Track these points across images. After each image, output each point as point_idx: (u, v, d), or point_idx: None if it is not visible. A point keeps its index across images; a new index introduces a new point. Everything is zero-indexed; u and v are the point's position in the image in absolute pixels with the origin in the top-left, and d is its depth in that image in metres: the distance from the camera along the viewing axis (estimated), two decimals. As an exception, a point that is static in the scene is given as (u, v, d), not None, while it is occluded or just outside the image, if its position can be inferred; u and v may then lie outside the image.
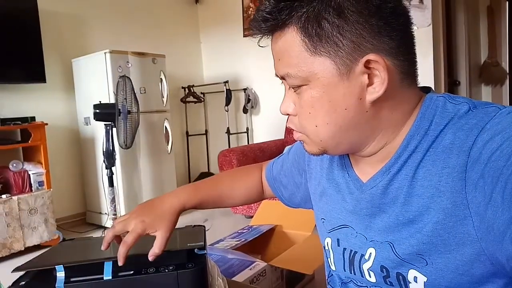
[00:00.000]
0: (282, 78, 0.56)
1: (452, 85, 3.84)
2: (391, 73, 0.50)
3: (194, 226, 0.90)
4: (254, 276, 1.16)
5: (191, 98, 4.19)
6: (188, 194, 0.80)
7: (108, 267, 0.68)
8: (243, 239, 1.54)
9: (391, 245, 0.54)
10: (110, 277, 0.67)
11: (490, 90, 4.38)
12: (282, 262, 1.24)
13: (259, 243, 1.60)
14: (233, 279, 1.15)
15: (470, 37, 4.05)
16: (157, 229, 0.70)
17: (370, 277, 0.58)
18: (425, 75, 3.05)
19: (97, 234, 3.07)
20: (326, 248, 0.68)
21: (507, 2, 4.31)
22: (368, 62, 0.49)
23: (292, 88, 0.56)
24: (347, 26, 0.49)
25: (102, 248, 0.71)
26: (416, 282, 0.51)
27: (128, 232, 0.69)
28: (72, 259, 0.78)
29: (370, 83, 0.51)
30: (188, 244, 0.74)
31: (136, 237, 0.68)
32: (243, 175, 0.92)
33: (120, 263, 0.66)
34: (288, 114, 0.59)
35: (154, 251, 0.68)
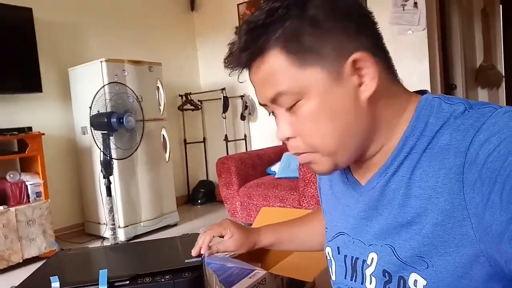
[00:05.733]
0: (273, 101, 0.54)
1: (448, 89, 3.84)
2: (378, 68, 0.52)
3: (191, 234, 0.89)
4: (254, 285, 1.14)
5: (188, 106, 4.19)
6: (265, 232, 0.92)
7: (103, 276, 0.67)
8: (243, 247, 1.52)
9: (392, 248, 0.53)
10: (106, 286, 0.67)
11: (487, 93, 4.39)
12: (282, 269, 1.23)
13: (259, 251, 1.58)
14: None
15: (465, 41, 4.07)
16: (232, 238, 0.86)
17: (371, 283, 0.57)
18: (421, 78, 3.05)
19: (95, 244, 3.05)
20: (328, 257, 0.68)
21: (501, 5, 4.35)
22: (355, 62, 0.51)
23: (286, 109, 0.54)
24: (326, 35, 0.50)
25: (202, 252, 0.82)
26: (416, 286, 0.50)
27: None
28: (67, 269, 0.77)
29: (361, 83, 0.52)
30: (186, 261, 0.76)
31: (220, 231, 0.85)
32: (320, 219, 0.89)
33: (202, 251, 0.81)
34: (287, 139, 0.56)
35: (213, 249, 0.83)
